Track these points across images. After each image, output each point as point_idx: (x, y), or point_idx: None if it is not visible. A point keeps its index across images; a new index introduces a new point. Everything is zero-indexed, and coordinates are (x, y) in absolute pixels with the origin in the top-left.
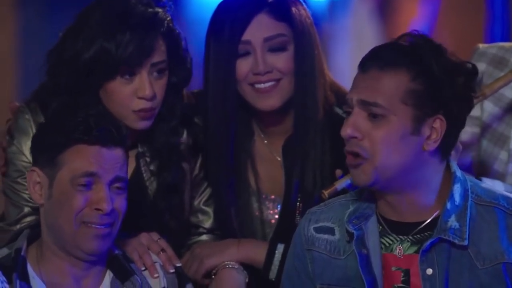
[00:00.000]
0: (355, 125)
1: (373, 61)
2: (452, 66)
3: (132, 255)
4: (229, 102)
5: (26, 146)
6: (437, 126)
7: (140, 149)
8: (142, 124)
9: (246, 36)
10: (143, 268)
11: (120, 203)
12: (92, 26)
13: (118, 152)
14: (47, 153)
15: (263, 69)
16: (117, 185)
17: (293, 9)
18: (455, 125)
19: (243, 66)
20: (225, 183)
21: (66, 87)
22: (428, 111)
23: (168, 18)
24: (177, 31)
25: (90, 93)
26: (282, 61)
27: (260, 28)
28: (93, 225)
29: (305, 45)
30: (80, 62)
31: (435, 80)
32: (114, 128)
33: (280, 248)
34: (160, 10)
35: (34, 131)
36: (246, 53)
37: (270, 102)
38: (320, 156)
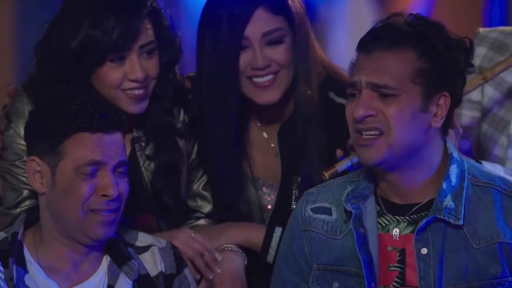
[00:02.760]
0: (366, 105)
1: (376, 42)
2: (453, 43)
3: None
4: (232, 95)
5: (24, 129)
6: (442, 103)
7: (135, 134)
8: (136, 108)
9: (245, 32)
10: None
11: (124, 186)
12: (76, 14)
13: (118, 137)
14: (45, 142)
15: (262, 64)
16: (120, 169)
17: (289, 1)
18: (456, 101)
19: (241, 60)
20: (222, 171)
21: (58, 76)
22: (435, 88)
23: None
24: (162, 10)
25: (81, 81)
26: (280, 53)
27: (258, 24)
28: (101, 212)
29: (301, 35)
30: (69, 50)
31: (440, 57)
32: (113, 112)
33: (278, 231)
34: None
35: None
36: (244, 47)
37: (269, 96)
38: (318, 140)
